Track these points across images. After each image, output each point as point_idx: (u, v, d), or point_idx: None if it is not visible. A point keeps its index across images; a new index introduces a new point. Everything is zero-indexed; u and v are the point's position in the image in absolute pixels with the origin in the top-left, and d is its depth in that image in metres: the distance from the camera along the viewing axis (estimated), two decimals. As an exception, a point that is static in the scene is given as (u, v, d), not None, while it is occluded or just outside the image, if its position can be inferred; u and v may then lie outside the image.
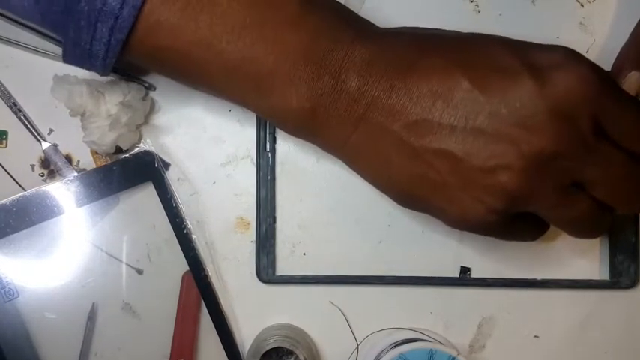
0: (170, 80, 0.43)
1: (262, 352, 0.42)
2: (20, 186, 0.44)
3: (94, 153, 0.44)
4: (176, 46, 0.35)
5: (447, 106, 0.34)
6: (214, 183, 0.45)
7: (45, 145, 0.44)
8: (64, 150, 0.44)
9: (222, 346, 0.44)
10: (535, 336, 0.45)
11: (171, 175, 0.45)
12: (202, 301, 0.44)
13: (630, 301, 0.45)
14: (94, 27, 0.34)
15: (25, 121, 0.44)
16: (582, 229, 0.37)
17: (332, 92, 0.36)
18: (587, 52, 0.44)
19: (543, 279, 0.44)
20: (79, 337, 0.44)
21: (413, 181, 0.36)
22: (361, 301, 0.45)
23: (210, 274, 0.44)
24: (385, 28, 0.38)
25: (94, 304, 0.44)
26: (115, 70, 0.44)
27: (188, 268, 0.44)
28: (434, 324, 0.45)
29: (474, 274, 0.45)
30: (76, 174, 0.43)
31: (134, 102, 0.42)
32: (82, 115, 0.42)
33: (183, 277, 0.44)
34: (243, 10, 0.35)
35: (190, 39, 0.35)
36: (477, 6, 0.44)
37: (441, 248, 0.44)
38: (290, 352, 0.43)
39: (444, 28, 0.38)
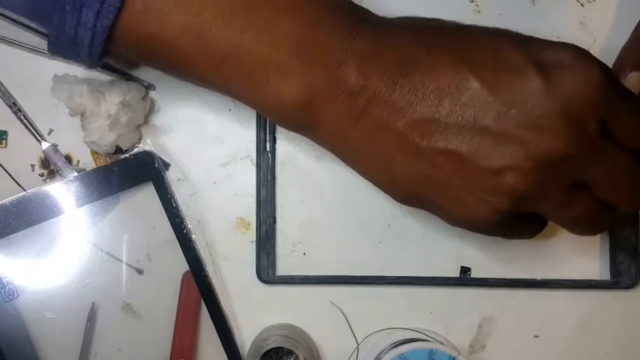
0: (170, 80, 0.43)
1: (262, 352, 0.42)
2: (20, 186, 0.44)
3: (94, 153, 0.44)
4: (164, 34, 0.34)
5: (455, 104, 0.33)
6: (214, 183, 0.45)
7: (45, 145, 0.44)
8: (63, 150, 0.44)
9: (222, 347, 0.44)
10: (535, 336, 0.45)
11: (171, 175, 0.45)
12: (202, 302, 0.44)
13: (631, 301, 0.45)
14: (79, 11, 0.33)
15: (25, 120, 0.44)
16: (584, 227, 0.37)
17: (329, 85, 0.35)
18: (587, 51, 0.44)
19: (543, 279, 0.44)
20: (79, 338, 0.44)
21: (416, 181, 0.36)
22: (361, 301, 0.45)
23: (210, 274, 0.44)
24: (385, 18, 0.37)
25: (93, 304, 0.44)
26: (115, 70, 0.44)
27: (188, 268, 0.44)
28: (434, 324, 0.45)
29: (474, 274, 0.45)
30: (75, 174, 0.43)
31: (134, 102, 0.42)
32: (82, 114, 0.42)
33: (183, 278, 0.44)
34: None
35: (179, 25, 0.34)
36: (477, 6, 0.44)
37: (441, 248, 0.44)
38: (290, 353, 0.42)
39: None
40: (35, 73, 0.44)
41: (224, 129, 0.45)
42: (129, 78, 0.43)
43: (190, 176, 0.45)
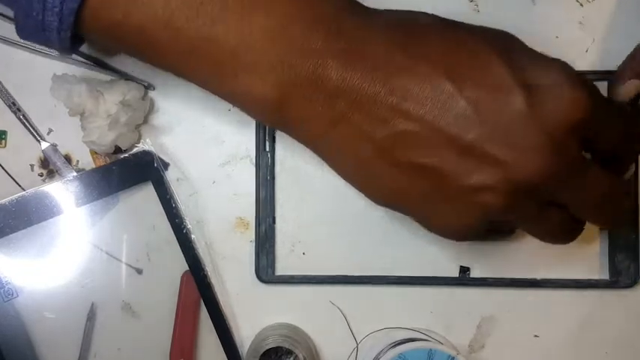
0: (170, 80, 0.43)
1: (262, 352, 0.42)
2: (19, 186, 0.44)
3: (94, 153, 0.44)
4: (131, 22, 0.33)
5: (438, 121, 0.33)
6: (214, 183, 0.45)
7: (44, 145, 0.44)
8: (63, 150, 0.44)
9: (221, 346, 0.44)
10: (535, 336, 0.45)
11: (170, 175, 0.45)
12: (202, 301, 0.44)
13: (630, 301, 0.45)
14: None
15: (25, 120, 0.44)
16: (554, 239, 0.38)
17: (305, 84, 0.33)
18: (586, 51, 0.44)
19: (543, 279, 0.44)
20: (79, 337, 0.44)
21: (393, 192, 0.35)
22: (361, 301, 0.45)
23: (209, 274, 0.44)
24: (370, 11, 0.35)
25: (93, 303, 0.44)
26: (114, 70, 0.44)
27: (187, 267, 0.44)
28: (433, 324, 0.45)
29: (474, 274, 0.45)
30: (75, 174, 0.43)
31: (133, 102, 0.42)
32: (82, 114, 0.42)
33: (182, 277, 0.44)
34: None
35: (146, 13, 0.33)
36: (477, 5, 0.44)
37: (440, 248, 0.44)
38: (289, 352, 0.42)
39: (469, 23, 0.36)
40: (34, 73, 0.44)
41: (223, 129, 0.45)
42: (128, 78, 0.43)
43: (190, 176, 0.45)
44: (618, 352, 0.45)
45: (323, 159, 0.37)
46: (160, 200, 0.44)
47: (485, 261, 0.45)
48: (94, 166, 0.44)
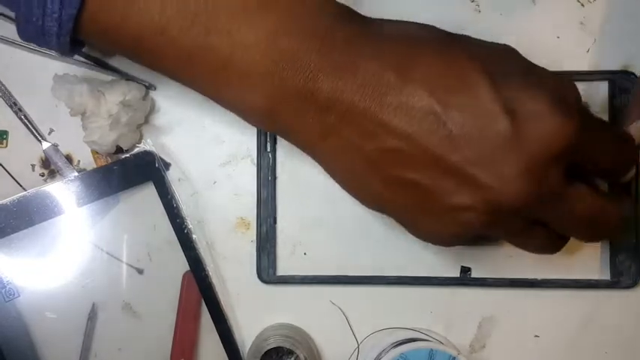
0: (171, 80, 0.42)
1: (263, 352, 0.42)
2: (20, 186, 0.44)
3: (95, 153, 0.44)
4: (128, 28, 0.34)
5: (424, 141, 0.33)
6: (215, 183, 0.45)
7: (45, 145, 0.44)
8: (64, 150, 0.44)
9: (222, 346, 0.44)
10: (535, 336, 0.45)
11: (171, 175, 0.45)
12: (203, 301, 0.44)
13: (631, 301, 0.45)
14: (44, 1, 0.33)
15: (26, 120, 0.44)
16: (537, 252, 0.39)
17: (295, 97, 0.34)
18: (587, 51, 0.44)
19: (543, 279, 0.44)
20: (80, 337, 0.44)
21: (382, 200, 0.37)
22: (362, 301, 0.45)
23: (210, 274, 0.44)
24: (365, 21, 0.36)
25: (94, 303, 0.44)
26: (115, 70, 0.44)
27: (188, 268, 0.44)
28: (434, 324, 0.45)
29: (475, 274, 0.45)
30: (76, 174, 0.43)
31: (134, 102, 0.42)
32: (83, 114, 0.42)
33: (183, 277, 0.44)
34: None
35: (142, 22, 0.34)
36: (478, 5, 0.44)
37: (441, 249, 0.44)
38: (290, 352, 0.42)
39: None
40: (36, 73, 0.44)
41: (224, 129, 0.45)
42: (129, 78, 0.43)
43: (191, 176, 0.45)
44: (618, 352, 0.45)
45: (318, 163, 0.38)
46: (161, 200, 0.44)
47: (486, 261, 0.45)
48: (95, 166, 0.44)
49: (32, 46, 0.43)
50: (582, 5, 0.44)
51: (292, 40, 0.34)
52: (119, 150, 0.44)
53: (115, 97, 0.42)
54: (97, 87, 0.42)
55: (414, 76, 0.34)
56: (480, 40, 0.37)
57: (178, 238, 0.44)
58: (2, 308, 0.43)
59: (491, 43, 0.37)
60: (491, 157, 0.33)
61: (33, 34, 0.35)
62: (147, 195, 0.44)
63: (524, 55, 0.37)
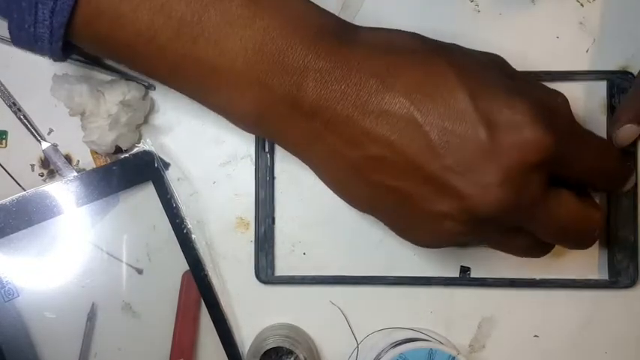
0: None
1: (262, 352, 0.42)
2: (20, 186, 0.44)
3: (94, 153, 0.44)
4: (118, 36, 0.35)
5: (404, 150, 0.34)
6: (214, 183, 0.45)
7: (45, 145, 0.44)
8: (63, 150, 0.44)
9: (222, 346, 0.44)
10: (535, 336, 0.45)
11: (171, 175, 0.45)
12: (202, 301, 0.44)
13: (630, 301, 0.45)
14: (35, 9, 0.34)
15: (25, 120, 0.44)
16: (525, 256, 0.40)
17: (281, 103, 0.35)
18: (587, 51, 0.44)
19: (543, 279, 0.44)
20: (79, 337, 0.44)
21: (368, 205, 0.38)
22: (361, 301, 0.45)
23: (210, 273, 0.44)
24: (354, 32, 0.36)
25: (93, 303, 0.44)
26: (115, 70, 0.44)
27: (188, 267, 0.44)
28: (434, 324, 0.45)
29: (474, 274, 0.45)
30: (75, 174, 0.43)
31: (134, 101, 0.42)
32: (82, 114, 0.42)
33: (183, 277, 0.44)
34: (184, 3, 0.34)
35: (131, 30, 0.34)
36: (477, 5, 0.44)
37: (441, 249, 0.44)
38: (290, 352, 0.43)
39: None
40: (35, 73, 0.44)
41: (224, 129, 0.45)
42: (129, 78, 0.43)
43: (190, 176, 0.45)
44: (618, 352, 0.45)
45: (308, 167, 0.38)
46: (161, 200, 0.44)
47: (485, 261, 0.45)
48: (94, 166, 0.44)
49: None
50: (582, 5, 0.44)
51: (280, 46, 0.34)
52: (118, 150, 0.44)
53: (115, 97, 0.42)
54: (97, 87, 0.42)
55: (396, 85, 0.34)
56: (468, 50, 0.37)
57: (178, 238, 0.44)
58: (2, 308, 0.43)
59: (480, 52, 0.37)
60: (469, 166, 0.33)
61: (26, 41, 0.35)
62: (146, 195, 0.44)
63: (512, 65, 0.37)
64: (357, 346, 0.44)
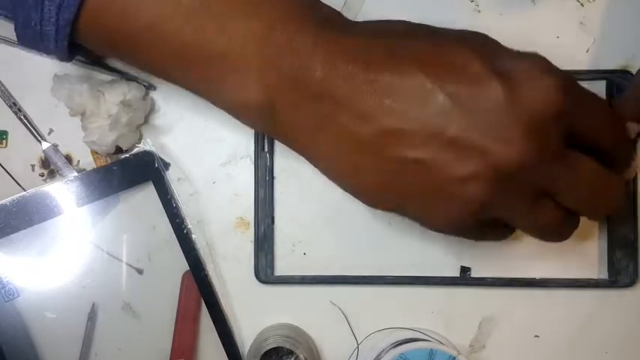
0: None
1: (262, 352, 0.42)
2: (20, 186, 0.44)
3: (94, 153, 0.44)
4: (125, 28, 0.35)
5: (420, 116, 0.33)
6: (214, 183, 0.45)
7: (45, 145, 0.44)
8: (64, 150, 0.44)
9: (222, 346, 0.44)
10: (535, 336, 0.45)
11: (171, 175, 0.45)
12: (202, 302, 0.44)
13: (630, 300, 0.45)
14: (42, 5, 0.34)
15: (25, 120, 0.44)
16: (549, 234, 0.38)
17: (289, 87, 0.35)
18: (587, 51, 0.44)
19: (543, 278, 0.44)
20: (80, 337, 0.44)
21: (385, 188, 0.36)
22: (361, 301, 0.45)
23: (210, 274, 0.44)
24: (351, 21, 0.37)
25: (94, 304, 0.44)
26: (115, 70, 0.44)
27: (188, 268, 0.44)
28: (434, 324, 0.45)
29: (474, 274, 0.45)
30: (76, 174, 0.43)
31: (134, 102, 0.42)
32: (82, 114, 0.42)
33: (183, 277, 0.44)
34: None
35: (139, 20, 0.34)
36: (477, 5, 0.44)
37: (441, 248, 0.44)
38: (290, 352, 0.43)
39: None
40: (35, 73, 0.44)
41: (224, 129, 0.45)
42: (129, 78, 0.43)
43: (190, 176, 0.45)
44: (618, 352, 0.45)
45: (313, 164, 0.38)
46: (161, 200, 0.44)
47: (485, 261, 0.45)
48: (94, 166, 0.44)
49: (31, 46, 0.43)
50: (582, 5, 0.44)
51: (287, 31, 0.34)
52: (119, 150, 0.44)
53: (115, 97, 0.42)
54: (97, 87, 0.42)
55: (403, 56, 0.34)
56: (455, 29, 0.37)
57: (178, 238, 0.44)
58: (2, 308, 0.43)
59: (467, 30, 0.37)
60: (488, 122, 0.33)
61: (31, 40, 0.35)
62: (146, 195, 0.44)
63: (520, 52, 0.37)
64: (358, 346, 0.44)
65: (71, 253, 0.43)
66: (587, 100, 0.36)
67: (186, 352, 0.44)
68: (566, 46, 0.44)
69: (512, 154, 0.33)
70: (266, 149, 0.44)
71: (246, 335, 0.45)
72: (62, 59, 0.37)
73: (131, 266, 0.44)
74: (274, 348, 0.42)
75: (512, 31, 0.44)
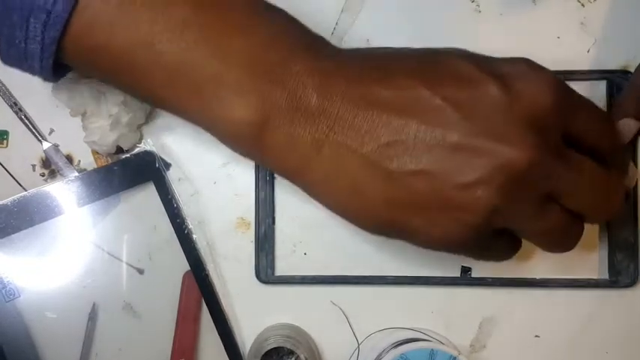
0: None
1: (263, 352, 0.42)
2: (21, 186, 0.44)
3: (95, 153, 0.44)
4: (114, 45, 0.33)
5: (421, 124, 0.33)
6: (215, 183, 0.45)
7: (46, 145, 0.44)
8: (64, 150, 0.44)
9: (222, 346, 0.44)
10: (536, 336, 0.45)
11: (172, 175, 0.45)
12: (203, 302, 0.44)
13: (630, 300, 0.45)
14: (27, 23, 0.33)
15: (26, 120, 0.44)
16: (555, 240, 0.37)
17: (286, 107, 0.34)
18: (588, 52, 0.44)
19: (543, 278, 0.44)
20: (80, 337, 0.44)
21: (389, 205, 0.35)
22: (362, 301, 0.45)
23: (211, 274, 0.44)
24: (338, 48, 0.37)
25: (94, 304, 0.44)
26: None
27: (189, 268, 0.44)
28: (435, 324, 0.45)
29: (475, 274, 0.45)
30: (76, 174, 0.43)
31: (135, 102, 0.42)
32: (83, 114, 0.42)
33: (184, 277, 0.44)
34: (186, 8, 0.33)
35: (129, 37, 0.33)
36: (478, 6, 0.44)
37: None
38: (291, 352, 0.43)
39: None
40: (36, 73, 0.44)
41: (225, 129, 0.45)
42: (130, 78, 0.43)
43: (191, 176, 0.45)
44: (619, 352, 0.45)
45: (308, 191, 0.36)
46: (162, 200, 0.44)
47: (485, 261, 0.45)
48: (95, 166, 0.44)
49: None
50: (582, 5, 0.44)
51: (282, 50, 0.34)
52: (119, 150, 0.44)
53: (116, 97, 0.42)
54: (98, 87, 0.42)
55: (397, 69, 0.34)
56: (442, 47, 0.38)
57: (178, 238, 0.44)
58: (3, 308, 0.43)
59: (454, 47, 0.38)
60: (489, 124, 0.33)
61: (16, 58, 0.35)
62: (147, 195, 0.44)
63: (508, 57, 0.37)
64: (358, 347, 0.45)
65: (72, 253, 0.43)
66: (580, 100, 0.36)
67: (186, 352, 0.44)
68: (566, 46, 0.44)
69: (518, 153, 0.33)
70: (266, 149, 0.44)
71: (246, 335, 0.45)
72: (47, 79, 0.36)
73: (132, 266, 0.44)
74: (275, 348, 0.42)
75: (513, 32, 0.44)
